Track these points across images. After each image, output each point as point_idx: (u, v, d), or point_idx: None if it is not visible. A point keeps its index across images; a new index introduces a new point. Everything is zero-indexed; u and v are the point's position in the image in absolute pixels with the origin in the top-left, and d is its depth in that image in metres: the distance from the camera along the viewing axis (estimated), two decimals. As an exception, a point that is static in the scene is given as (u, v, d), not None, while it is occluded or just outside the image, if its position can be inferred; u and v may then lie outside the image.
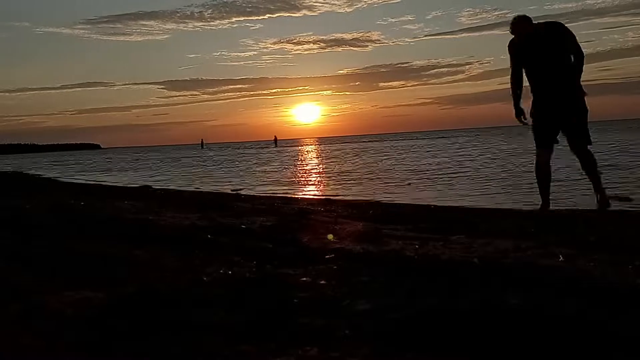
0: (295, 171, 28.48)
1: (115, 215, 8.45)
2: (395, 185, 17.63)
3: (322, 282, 3.92)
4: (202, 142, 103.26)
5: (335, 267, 4.49)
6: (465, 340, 2.76)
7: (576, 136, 9.10)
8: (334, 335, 2.88)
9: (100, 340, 2.90)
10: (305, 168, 31.10)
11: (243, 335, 2.92)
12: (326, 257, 4.90)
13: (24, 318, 3.32)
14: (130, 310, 3.31)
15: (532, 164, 9.85)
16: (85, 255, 5.08)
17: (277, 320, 3.11)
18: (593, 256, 4.98)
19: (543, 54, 8.79)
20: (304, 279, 4.01)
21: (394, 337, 2.85)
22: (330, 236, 6.44)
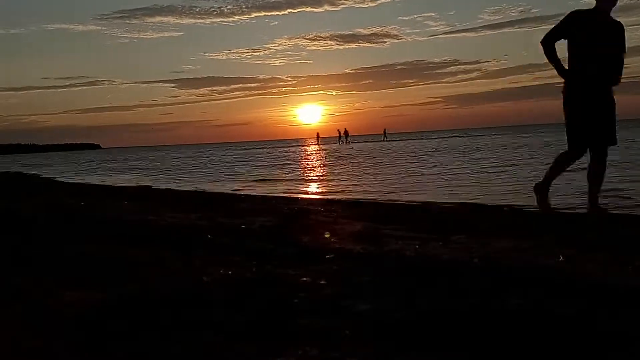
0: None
1: (115, 216, 8.45)
2: (394, 185, 17.63)
3: (322, 282, 3.92)
4: (384, 131, 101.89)
5: (335, 267, 4.49)
6: (466, 340, 2.77)
7: (604, 134, 8.58)
8: (334, 335, 2.88)
9: (100, 340, 2.90)
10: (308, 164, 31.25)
11: (243, 335, 2.92)
12: (326, 257, 4.91)
13: (24, 318, 3.33)
14: (130, 310, 3.32)
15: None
16: (86, 256, 5.08)
17: (277, 320, 3.11)
18: (593, 256, 4.98)
19: (609, 43, 8.32)
20: (304, 279, 4.01)
21: (394, 337, 2.85)
22: (327, 234, 6.51)
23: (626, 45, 8.44)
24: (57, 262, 4.83)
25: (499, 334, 2.80)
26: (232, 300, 3.49)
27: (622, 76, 8.52)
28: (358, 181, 19.97)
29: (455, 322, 2.96)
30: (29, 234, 6.36)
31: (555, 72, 8.74)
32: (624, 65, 8.48)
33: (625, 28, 8.49)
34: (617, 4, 8.31)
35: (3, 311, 3.45)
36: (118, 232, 6.43)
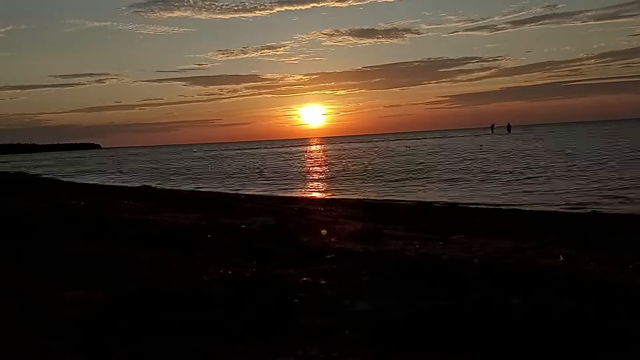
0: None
1: (115, 216, 8.45)
2: (395, 184, 17.63)
3: (322, 282, 3.93)
4: (508, 125, 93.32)
5: (335, 267, 4.49)
6: (466, 340, 2.77)
7: None
8: (334, 335, 2.89)
9: (100, 340, 2.90)
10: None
11: (243, 335, 2.92)
12: (326, 257, 4.91)
13: (24, 318, 3.33)
14: (130, 310, 3.32)
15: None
16: (86, 255, 5.08)
17: (277, 320, 3.11)
18: (593, 256, 4.99)
19: None
20: (304, 279, 4.02)
21: (394, 337, 2.85)
22: (323, 231, 6.59)
23: None
24: (57, 262, 4.83)
25: (499, 333, 2.80)
26: (232, 300, 3.49)
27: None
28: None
29: (455, 322, 2.96)
30: (30, 233, 6.36)
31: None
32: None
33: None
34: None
35: (3, 311, 3.45)
36: (118, 232, 6.43)
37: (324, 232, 6.51)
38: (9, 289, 3.95)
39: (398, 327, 2.96)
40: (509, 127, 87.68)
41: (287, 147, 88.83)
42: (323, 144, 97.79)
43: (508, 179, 16.92)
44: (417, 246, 5.69)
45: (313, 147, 78.97)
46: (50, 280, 4.16)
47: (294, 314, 3.20)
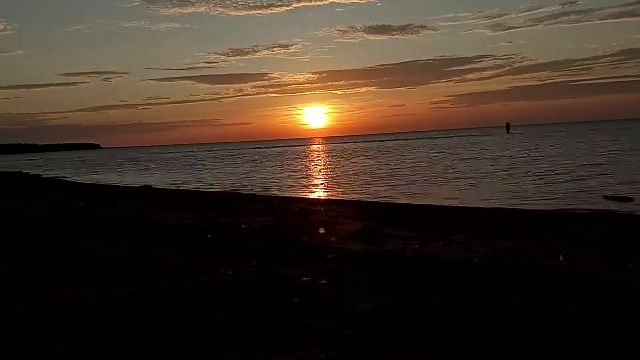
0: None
1: (115, 215, 8.46)
2: (395, 185, 17.61)
3: (322, 282, 3.93)
4: (507, 125, 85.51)
5: (335, 267, 4.49)
6: (466, 340, 2.77)
7: None
8: (334, 335, 2.89)
9: (100, 340, 2.90)
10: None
11: (243, 335, 2.92)
12: (326, 257, 4.91)
13: (24, 317, 3.33)
14: (131, 310, 3.32)
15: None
16: (86, 255, 5.08)
17: (277, 320, 3.11)
18: (593, 256, 4.99)
19: None
20: (304, 279, 4.02)
21: (394, 337, 2.85)
22: (322, 230, 6.61)
23: None
24: (57, 261, 4.83)
25: (499, 333, 2.80)
26: (232, 300, 3.49)
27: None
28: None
29: (455, 322, 2.96)
30: (30, 234, 6.36)
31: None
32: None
33: None
34: None
35: (3, 311, 3.45)
36: (118, 232, 6.43)
37: (322, 231, 6.53)
38: (9, 289, 3.95)
39: (398, 327, 2.95)
40: (507, 127, 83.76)
41: (271, 148, 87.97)
42: (305, 145, 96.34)
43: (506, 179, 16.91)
44: (417, 246, 5.69)
45: (293, 149, 77.62)
46: (50, 280, 4.17)
47: (294, 314, 3.20)
